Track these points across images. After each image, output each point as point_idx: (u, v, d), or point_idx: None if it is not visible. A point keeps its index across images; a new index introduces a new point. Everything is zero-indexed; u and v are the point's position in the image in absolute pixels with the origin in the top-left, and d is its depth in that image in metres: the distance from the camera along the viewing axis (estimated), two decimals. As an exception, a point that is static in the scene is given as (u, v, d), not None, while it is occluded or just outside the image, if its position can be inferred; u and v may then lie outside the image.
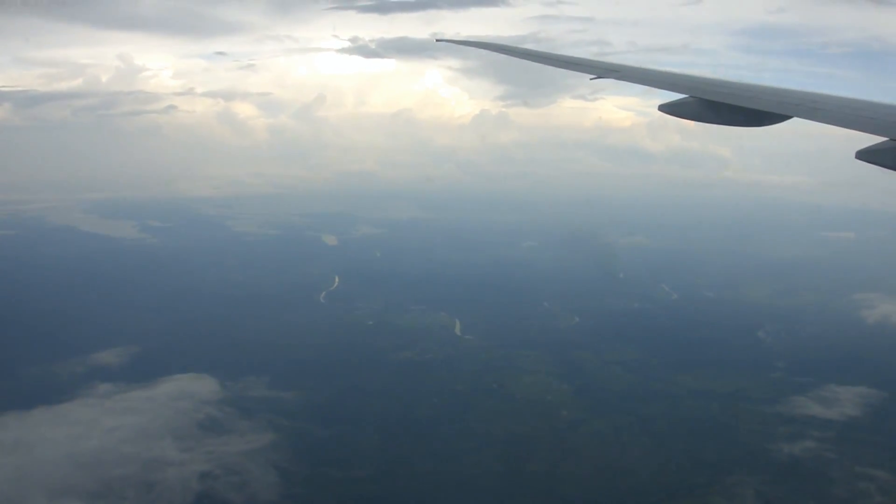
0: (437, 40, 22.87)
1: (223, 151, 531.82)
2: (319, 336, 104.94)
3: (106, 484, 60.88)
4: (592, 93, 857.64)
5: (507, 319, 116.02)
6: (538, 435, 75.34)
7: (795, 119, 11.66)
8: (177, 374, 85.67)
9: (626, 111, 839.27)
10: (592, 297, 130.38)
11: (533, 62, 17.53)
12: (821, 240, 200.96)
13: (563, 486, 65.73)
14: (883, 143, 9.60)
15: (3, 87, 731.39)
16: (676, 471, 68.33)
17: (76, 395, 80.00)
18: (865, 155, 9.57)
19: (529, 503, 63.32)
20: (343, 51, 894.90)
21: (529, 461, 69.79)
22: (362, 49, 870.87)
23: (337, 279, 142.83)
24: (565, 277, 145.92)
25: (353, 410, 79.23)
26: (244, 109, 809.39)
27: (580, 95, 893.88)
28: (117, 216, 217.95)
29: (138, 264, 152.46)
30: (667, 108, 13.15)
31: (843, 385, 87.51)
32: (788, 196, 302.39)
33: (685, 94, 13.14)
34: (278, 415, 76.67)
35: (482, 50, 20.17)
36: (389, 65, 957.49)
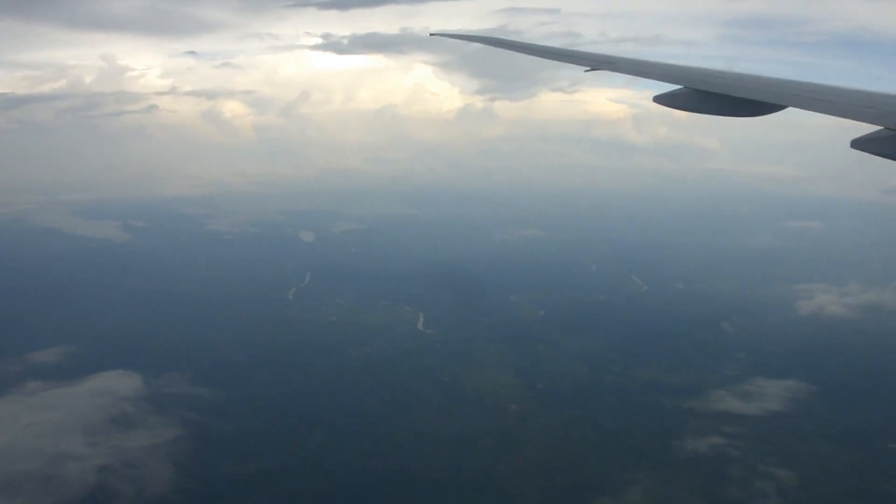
0: (431, 34, 21.60)
1: (207, 150, 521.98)
2: (276, 333, 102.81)
3: (6, 478, 60.24)
4: (571, 85, 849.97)
5: (471, 313, 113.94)
6: (484, 429, 73.51)
7: (790, 109, 11.59)
8: (105, 371, 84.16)
9: (615, 103, 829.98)
10: (561, 290, 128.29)
11: (523, 54, 17.40)
12: (786, 230, 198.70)
13: (499, 480, 63.75)
14: (878, 131, 9.61)
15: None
16: (618, 467, 66.07)
17: (4, 392, 78.78)
18: (861, 144, 9.60)
19: (460, 499, 61.03)
20: (316, 47, 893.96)
21: (470, 456, 68.04)
22: (335, 45, 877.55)
23: (308, 276, 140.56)
24: (536, 270, 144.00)
25: (280, 406, 77.14)
26: (228, 108, 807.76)
27: (559, 88, 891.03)
28: (100, 217, 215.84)
29: (114, 264, 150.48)
30: (661, 100, 13.09)
31: (772, 378, 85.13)
32: (768, 187, 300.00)
33: (679, 84, 13.00)
34: (191, 410, 75.22)
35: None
36: (369, 61, 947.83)
